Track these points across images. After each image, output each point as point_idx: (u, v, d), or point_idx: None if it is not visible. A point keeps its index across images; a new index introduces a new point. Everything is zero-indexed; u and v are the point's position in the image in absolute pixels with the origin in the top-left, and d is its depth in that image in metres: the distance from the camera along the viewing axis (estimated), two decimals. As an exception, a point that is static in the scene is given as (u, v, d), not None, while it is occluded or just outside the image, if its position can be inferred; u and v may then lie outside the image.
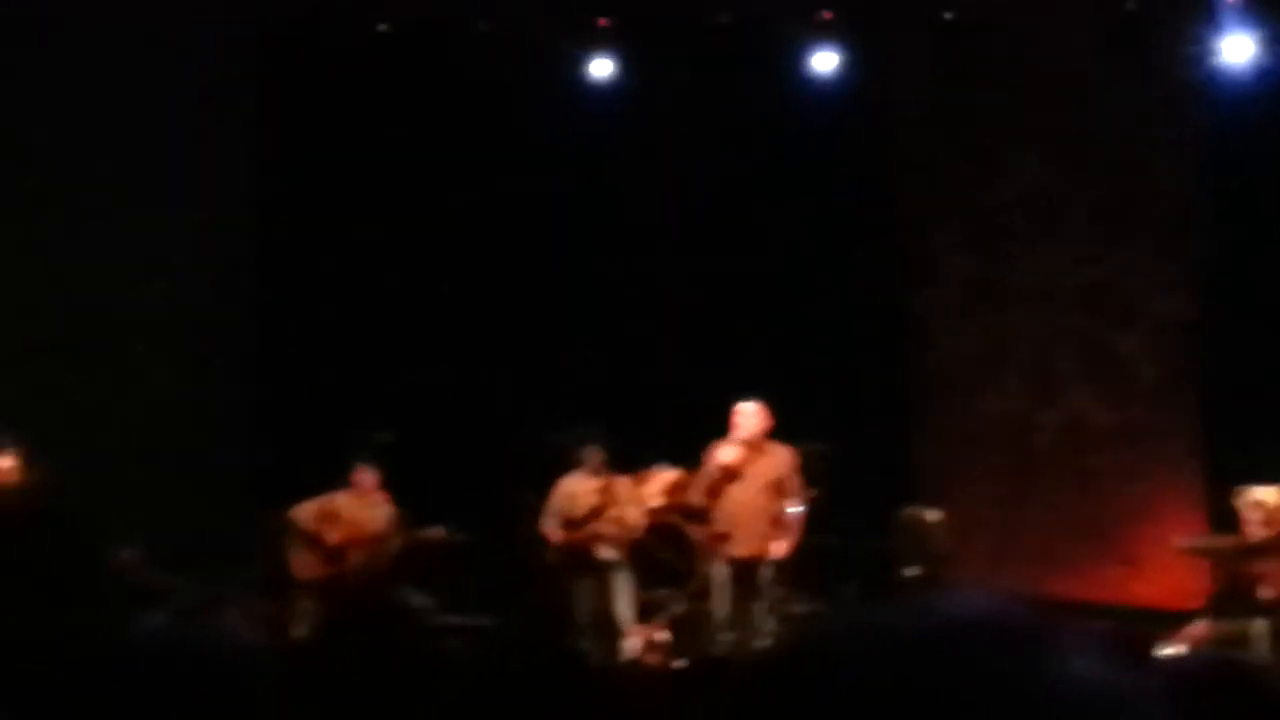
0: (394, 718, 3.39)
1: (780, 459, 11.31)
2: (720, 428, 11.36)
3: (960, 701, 0.99)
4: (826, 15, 13.71)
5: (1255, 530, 10.72)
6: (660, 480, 12.20)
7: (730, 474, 11.25)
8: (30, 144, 12.96)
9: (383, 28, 13.92)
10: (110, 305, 13.08)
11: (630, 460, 12.00)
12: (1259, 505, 10.70)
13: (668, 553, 12.16)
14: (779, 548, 11.19)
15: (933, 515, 12.31)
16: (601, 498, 11.79)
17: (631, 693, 4.76)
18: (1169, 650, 9.11)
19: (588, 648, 10.83)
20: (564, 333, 13.98)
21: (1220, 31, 13.06)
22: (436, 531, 11.83)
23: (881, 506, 12.28)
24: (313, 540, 11.84)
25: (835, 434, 11.85)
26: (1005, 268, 13.97)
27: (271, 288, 14.09)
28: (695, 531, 11.83)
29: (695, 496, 11.48)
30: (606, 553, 11.73)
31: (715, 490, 11.28)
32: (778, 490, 11.26)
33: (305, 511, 11.92)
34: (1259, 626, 10.38)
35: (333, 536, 11.85)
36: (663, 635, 11.59)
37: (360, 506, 11.99)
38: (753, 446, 11.28)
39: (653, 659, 10.97)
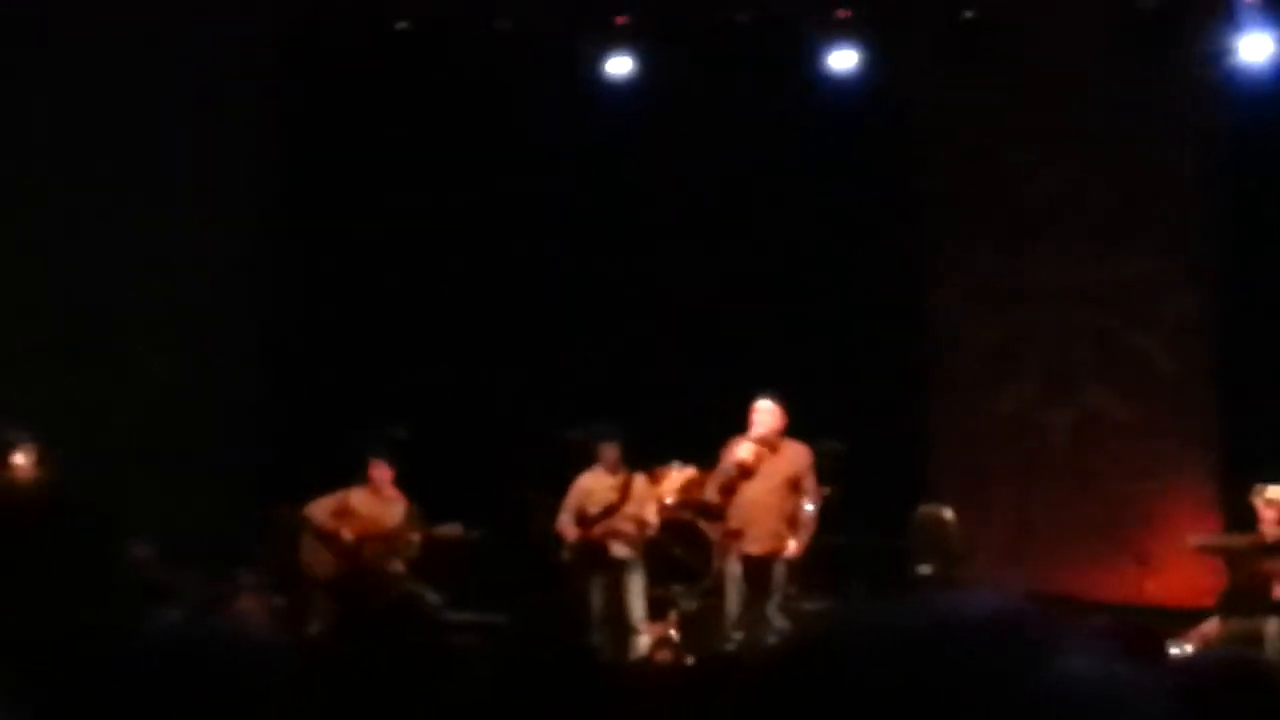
0: (408, 714, 3.41)
1: (796, 457, 11.29)
2: (733, 426, 11.34)
3: (961, 701, 1.00)
4: (844, 14, 13.69)
5: (1271, 529, 10.71)
6: (676, 478, 12.18)
7: (746, 471, 11.24)
8: (30, 144, 12.96)
9: (399, 26, 13.92)
10: (109, 303, 13.07)
11: (642, 458, 12.00)
12: (1273, 503, 10.70)
13: (682, 549, 12.15)
14: (793, 546, 11.19)
15: (947, 514, 12.30)
16: (618, 495, 11.79)
17: (642, 690, 4.77)
18: (1181, 649, 9.11)
19: (600, 644, 10.83)
20: (578, 330, 13.97)
21: (1239, 31, 13.05)
22: (453, 529, 11.84)
23: (896, 505, 12.27)
24: (328, 537, 11.85)
25: (850, 432, 11.83)
26: (1022, 266, 13.95)
27: (277, 286, 14.10)
28: (710, 528, 11.82)
29: (710, 493, 11.46)
30: (621, 550, 11.72)
31: (730, 487, 11.27)
32: (792, 488, 11.24)
33: (320, 508, 11.92)
34: (1273, 625, 10.38)
35: (348, 533, 11.86)
36: (674, 633, 11.59)
37: (375, 503, 12.00)
38: (768, 444, 11.27)
39: (663, 656, 10.97)
